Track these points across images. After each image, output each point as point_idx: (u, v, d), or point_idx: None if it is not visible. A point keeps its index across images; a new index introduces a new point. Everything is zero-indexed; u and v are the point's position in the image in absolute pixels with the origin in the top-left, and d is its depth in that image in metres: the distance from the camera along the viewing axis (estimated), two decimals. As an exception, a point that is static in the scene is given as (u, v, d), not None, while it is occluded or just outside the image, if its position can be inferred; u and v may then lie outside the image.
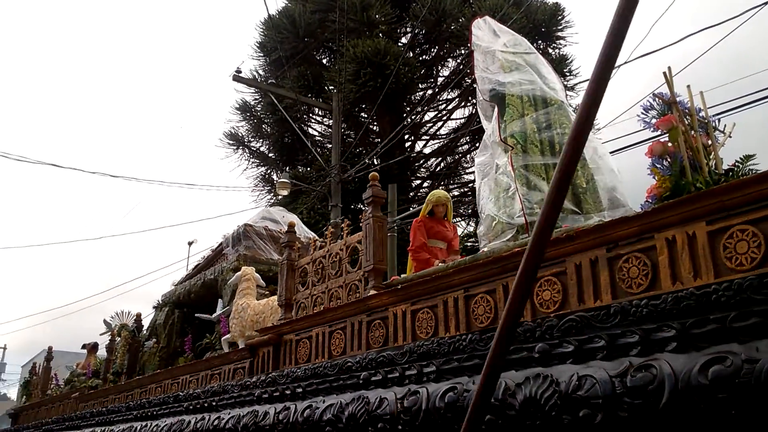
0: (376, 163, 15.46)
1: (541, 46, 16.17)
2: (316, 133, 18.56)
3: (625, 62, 9.09)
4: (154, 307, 9.15)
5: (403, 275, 4.71)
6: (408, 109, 17.05)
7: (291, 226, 5.77)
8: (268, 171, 18.42)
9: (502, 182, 4.30)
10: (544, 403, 2.59)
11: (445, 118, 17.75)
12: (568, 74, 16.14)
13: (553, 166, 4.25)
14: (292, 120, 15.22)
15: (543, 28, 15.81)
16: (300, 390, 4.24)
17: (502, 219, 4.15)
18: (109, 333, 9.88)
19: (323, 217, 14.59)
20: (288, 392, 4.35)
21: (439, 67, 17.86)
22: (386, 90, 13.71)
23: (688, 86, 3.36)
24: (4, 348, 43.70)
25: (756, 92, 7.64)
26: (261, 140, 18.36)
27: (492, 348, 1.29)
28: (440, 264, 4.67)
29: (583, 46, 25.45)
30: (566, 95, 4.60)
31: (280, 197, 16.14)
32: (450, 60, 17.74)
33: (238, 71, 14.33)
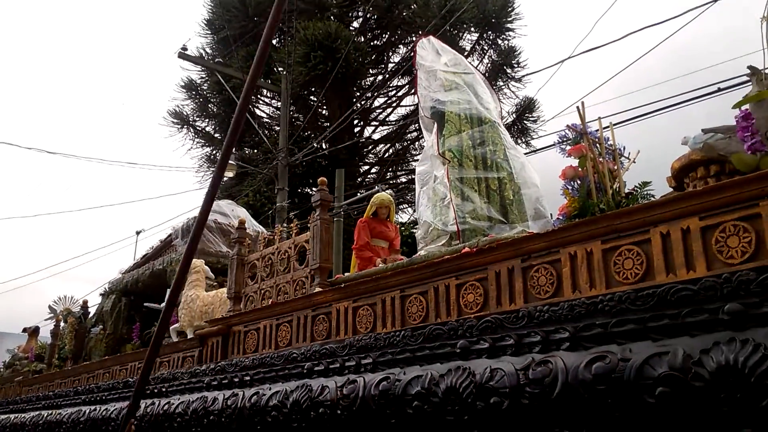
0: (324, 147, 15.54)
1: (491, 37, 16.54)
2: (264, 115, 18.48)
3: (570, 57, 9.42)
4: (101, 294, 9.28)
5: (347, 273, 5.10)
6: (358, 94, 17.16)
7: (242, 222, 6.08)
8: (214, 151, 18.22)
9: (439, 192, 4.73)
10: (462, 391, 3.02)
11: (394, 104, 17.99)
12: (516, 66, 16.60)
13: (485, 180, 4.71)
14: (239, 100, 15.15)
15: (493, 19, 16.12)
16: (248, 378, 4.58)
17: (438, 226, 4.58)
18: (54, 318, 9.95)
19: (269, 200, 14.60)
20: (236, 380, 4.68)
21: (390, 54, 18.07)
22: (336, 74, 13.74)
23: (599, 118, 3.85)
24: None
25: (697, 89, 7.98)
26: (207, 120, 18.14)
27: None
28: (381, 262, 5.10)
29: (531, 38, 26.12)
30: (499, 112, 5.04)
31: (225, 179, 15.87)
32: (401, 47, 17.94)
33: (184, 48, 14.15)
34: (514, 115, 16.83)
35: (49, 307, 10.06)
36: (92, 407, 6.52)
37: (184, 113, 17.87)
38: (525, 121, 16.97)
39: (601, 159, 3.71)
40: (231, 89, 14.87)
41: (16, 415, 8.17)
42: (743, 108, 2.70)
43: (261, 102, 18.43)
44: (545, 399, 2.72)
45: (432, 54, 5.26)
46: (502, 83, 16.83)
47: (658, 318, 2.51)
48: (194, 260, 7.01)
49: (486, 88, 5.17)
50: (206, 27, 17.67)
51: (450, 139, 4.83)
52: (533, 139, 16.63)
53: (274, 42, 18.09)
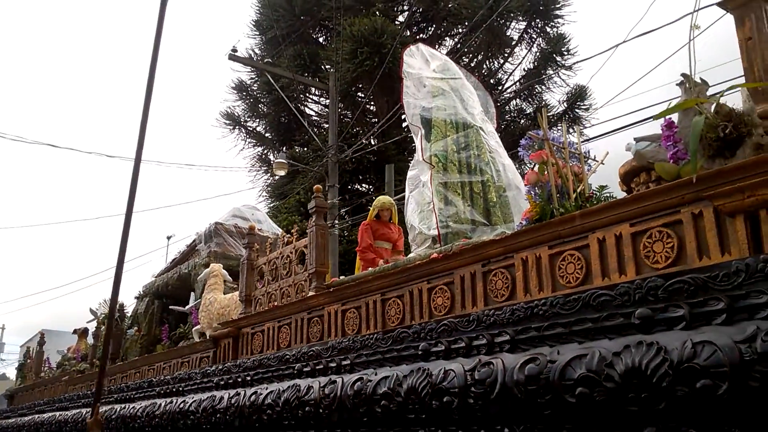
0: (373, 143, 15.72)
1: (539, 25, 16.39)
2: (312, 113, 18.69)
3: (623, 42, 9.28)
4: (135, 298, 9.82)
5: (342, 277, 5.35)
6: None
7: (251, 229, 6.41)
8: (265, 151, 18.53)
9: (426, 196, 4.93)
10: (420, 391, 3.25)
11: None
12: (565, 53, 16.35)
13: (468, 183, 4.89)
14: (288, 99, 15.29)
15: (541, 7, 15.98)
16: (249, 378, 4.90)
17: (422, 230, 4.80)
18: (95, 320, 10.58)
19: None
20: (240, 380, 5.01)
21: (437, 46, 17.70)
22: (383, 69, 13.75)
23: (565, 123, 3.98)
24: (3, 327, 44.31)
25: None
26: (257, 120, 18.43)
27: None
28: (383, 263, 5.34)
29: (581, 24, 25.62)
30: (483, 118, 5.20)
31: (277, 177, 16.33)
32: (447, 39, 17.84)
33: (234, 50, 14.38)
34: (565, 104, 16.58)
35: (90, 309, 10.69)
36: (122, 405, 6.99)
37: (236, 114, 18.19)
38: (576, 110, 16.66)
39: (564, 163, 3.85)
40: (280, 88, 15.11)
41: (61, 413, 8.77)
42: (667, 117, 2.82)
43: (310, 100, 18.69)
44: (488, 398, 2.92)
45: (420, 61, 5.45)
46: (551, 71, 16.61)
47: (581, 322, 2.68)
48: (212, 264, 7.42)
49: (472, 93, 5.33)
50: (254, 28, 17.94)
51: (436, 144, 5.02)
52: (586, 128, 16.17)
53: (320, 40, 18.36)
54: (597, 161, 4.09)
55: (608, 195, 3.78)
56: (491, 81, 17.25)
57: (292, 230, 5.77)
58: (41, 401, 11.04)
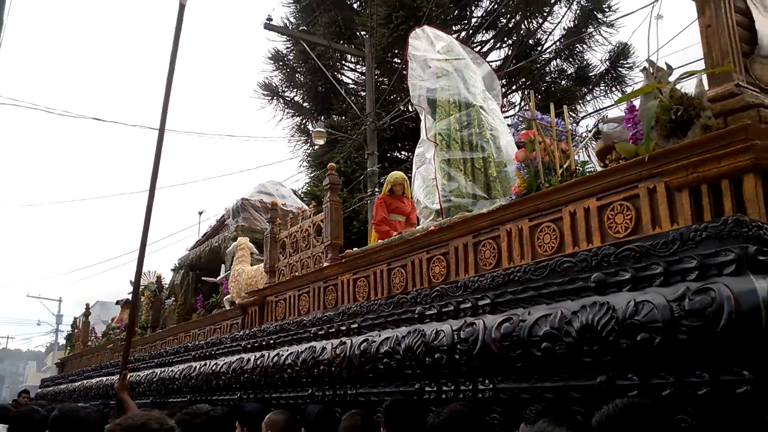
0: (411, 109, 15.74)
1: None
2: (349, 81, 18.65)
3: None
4: (172, 270, 10.41)
5: (355, 248, 5.75)
6: None
7: (273, 205, 6.84)
8: (304, 121, 18.57)
9: (430, 172, 5.28)
10: (416, 349, 3.64)
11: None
12: (606, 10, 16.03)
13: (470, 160, 5.21)
14: (324, 68, 15.35)
15: None
16: (272, 341, 5.37)
17: (427, 204, 5.15)
18: (137, 292, 11.24)
19: (360, 165, 14.90)
20: (264, 343, 5.49)
21: (473, 8, 17.66)
22: None
23: (551, 103, 4.27)
24: (60, 300, 46.11)
25: None
26: (295, 90, 18.40)
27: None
28: (395, 235, 5.72)
29: None
30: (485, 97, 5.49)
31: (316, 147, 16.50)
32: (484, 0, 17.55)
33: (269, 19, 14.45)
34: (607, 63, 16.21)
35: (131, 281, 11.32)
36: (162, 369, 7.58)
37: (273, 84, 18.17)
38: (620, 69, 16.30)
39: (551, 141, 4.14)
40: (316, 57, 15.15)
41: (107, 377, 9.47)
42: (630, 100, 3.11)
43: (346, 68, 18.68)
44: (471, 354, 3.30)
45: (426, 43, 5.74)
46: (592, 29, 16.23)
47: (549, 286, 3.02)
48: (240, 238, 7.91)
49: (475, 73, 5.61)
50: None
51: (440, 123, 5.34)
52: (629, 86, 15.86)
53: (354, 6, 18.21)
54: (584, 138, 4.37)
55: (591, 169, 4.07)
56: (530, 42, 16.95)
57: (310, 207, 6.17)
58: (89, 368, 11.83)
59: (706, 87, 3.12)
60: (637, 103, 3.13)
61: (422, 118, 5.50)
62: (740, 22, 3.27)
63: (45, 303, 44.69)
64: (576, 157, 4.27)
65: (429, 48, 5.72)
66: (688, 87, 3.08)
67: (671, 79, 3.18)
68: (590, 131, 4.35)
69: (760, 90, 3.15)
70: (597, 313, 2.69)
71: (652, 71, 3.18)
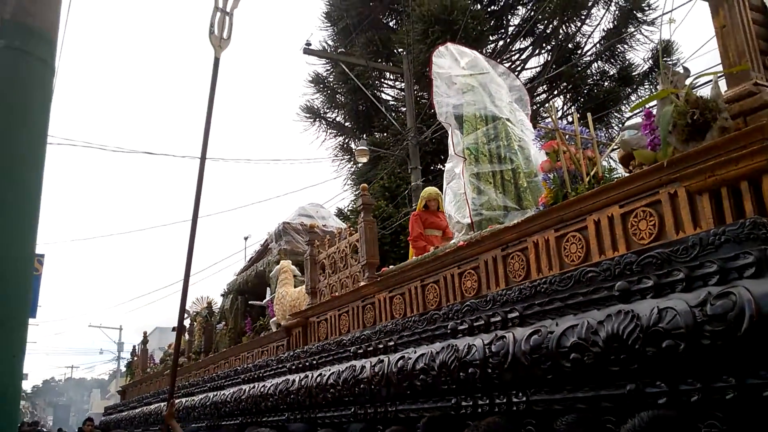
0: None
1: None
2: (389, 98, 18.80)
3: None
4: (221, 295, 10.68)
5: (391, 266, 5.82)
6: None
7: (312, 227, 6.99)
8: (346, 140, 18.78)
9: (460, 187, 5.33)
10: (450, 364, 3.68)
11: (519, 68, 17.42)
12: (646, 8, 15.67)
13: (499, 172, 5.24)
14: (364, 87, 15.58)
15: None
16: (315, 362, 5.47)
17: (458, 218, 5.20)
18: (189, 318, 11.56)
19: (403, 180, 14.96)
20: (307, 364, 5.60)
21: (509, 17, 17.56)
22: None
23: (574, 111, 4.28)
24: (120, 328, 47.51)
25: None
26: (336, 110, 18.61)
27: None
28: (432, 250, 5.77)
29: None
30: (511, 108, 5.51)
31: (360, 165, 16.67)
32: (520, 8, 17.44)
33: (308, 44, 14.83)
34: (650, 62, 15.86)
35: (186, 310, 11.65)
36: (215, 393, 7.78)
37: (315, 106, 18.44)
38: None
39: (577, 149, 4.15)
40: (355, 77, 15.41)
41: (165, 403, 9.75)
42: (647, 106, 3.11)
43: (385, 85, 18.86)
44: (503, 367, 3.32)
45: (449, 60, 5.81)
46: (633, 29, 15.88)
47: (574, 296, 3.03)
48: (282, 261, 8.08)
49: (500, 86, 5.64)
50: (326, 20, 18.10)
51: (468, 138, 5.39)
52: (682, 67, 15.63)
53: (391, 24, 18.37)
54: (610, 145, 4.35)
55: (618, 176, 4.05)
56: (569, 46, 16.75)
57: (346, 229, 6.29)
58: (148, 394, 12.19)
59: (725, 88, 3.10)
60: (657, 109, 3.12)
61: (450, 134, 5.55)
62: (756, 20, 3.24)
63: (106, 332, 46.15)
64: (604, 163, 4.27)
65: (453, 65, 5.79)
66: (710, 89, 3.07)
67: (688, 81, 3.17)
68: (614, 138, 4.31)
69: (782, 86, 3.11)
70: (622, 322, 2.69)
71: (668, 75, 3.17)
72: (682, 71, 3.21)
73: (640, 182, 3.07)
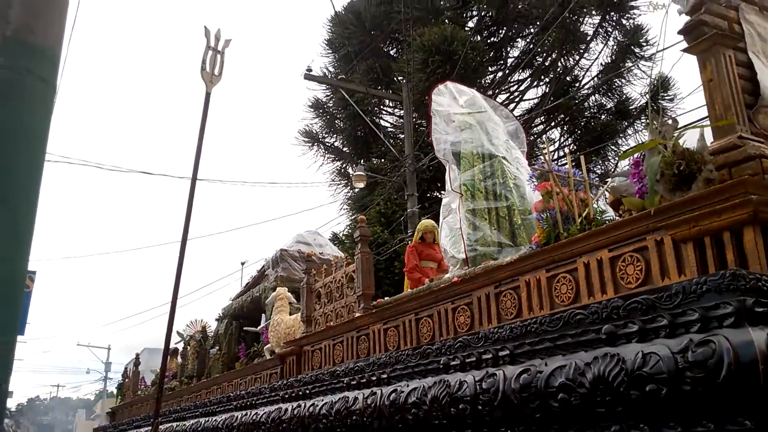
0: None
1: (614, 18, 16.15)
2: (388, 125, 19.13)
3: None
4: (216, 319, 10.72)
5: (386, 297, 5.91)
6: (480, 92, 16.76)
7: (309, 256, 7.08)
8: (344, 165, 18.97)
9: (456, 222, 5.45)
10: (441, 399, 3.76)
11: (517, 99, 17.75)
12: (644, 44, 15.97)
13: (495, 209, 5.36)
14: (363, 113, 15.81)
15: (615, 0, 15.81)
16: (308, 391, 5.53)
17: (453, 253, 5.31)
18: (183, 342, 11.58)
19: (400, 206, 15.08)
20: (301, 393, 5.65)
21: (508, 48, 17.87)
22: (455, 76, 13.42)
23: (567, 153, 4.41)
24: (109, 348, 47.12)
25: None
26: (335, 135, 18.89)
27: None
28: (428, 282, 5.87)
29: (659, 14, 24.80)
30: (507, 147, 5.66)
31: (356, 190, 16.87)
32: (519, 40, 17.77)
33: (309, 70, 15.05)
34: (647, 96, 15.82)
35: (178, 332, 11.69)
36: (206, 418, 7.80)
37: (314, 131, 18.75)
38: (661, 101, 15.92)
39: (570, 190, 4.27)
40: (355, 103, 15.70)
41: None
42: (636, 155, 3.25)
43: (384, 112, 19.22)
44: (493, 404, 3.40)
45: (449, 99, 5.98)
46: (630, 63, 16.23)
47: (563, 337, 3.13)
48: (278, 288, 8.15)
49: (497, 124, 5.80)
50: (327, 47, 18.56)
51: (464, 174, 5.53)
52: (669, 119, 15.83)
53: (391, 53, 18.79)
54: (601, 187, 4.48)
55: (610, 218, 4.18)
56: (567, 78, 17.04)
57: (343, 258, 6.39)
58: (138, 417, 12.14)
59: (711, 140, 3.24)
60: (645, 158, 3.25)
61: (447, 169, 5.69)
62: (742, 75, 3.39)
63: (94, 351, 45.77)
64: (596, 205, 4.39)
65: (452, 103, 5.96)
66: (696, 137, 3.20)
67: (676, 132, 3.31)
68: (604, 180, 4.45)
69: (766, 139, 3.25)
70: (608, 365, 2.79)
71: (656, 126, 3.31)
72: (671, 122, 3.35)
73: (628, 228, 3.19)
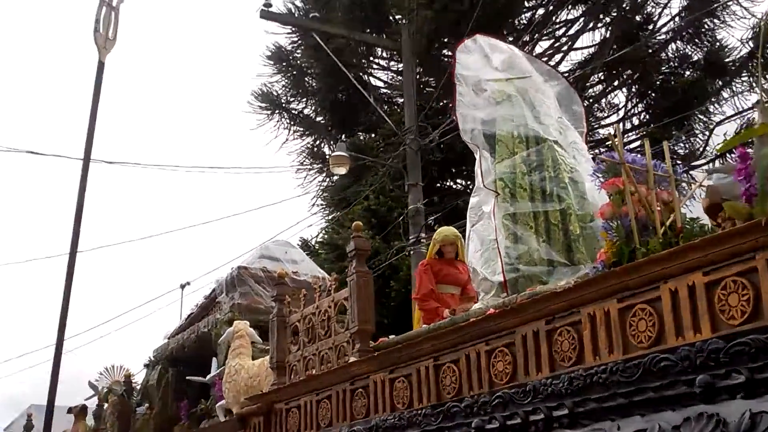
0: None
1: None
2: (381, 84, 18.77)
3: None
4: (145, 365, 10.84)
5: (391, 336, 6.05)
6: (510, 39, 14.80)
7: (281, 276, 7.23)
8: (317, 141, 18.67)
9: (490, 231, 5.59)
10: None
11: (565, 48, 17.55)
12: None
13: (543, 214, 5.51)
14: (345, 67, 15.31)
15: None
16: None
17: (486, 275, 5.46)
18: (96, 397, 11.69)
19: (398, 202, 14.97)
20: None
21: None
22: (476, 15, 13.17)
23: (646, 139, 4.58)
24: (-26, 406, 46.81)
25: None
26: (304, 99, 18.54)
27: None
28: (449, 314, 5.99)
29: None
30: (560, 127, 5.81)
31: (335, 178, 16.61)
32: None
33: (268, 5, 14.56)
34: (750, 44, 15.60)
35: (89, 383, 11.80)
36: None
37: (274, 93, 18.29)
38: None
39: (649, 190, 4.42)
40: (333, 52, 15.19)
41: None
42: (740, 145, 3.41)
43: (375, 67, 18.80)
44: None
45: (478, 58, 6.13)
46: (730, 2, 15.63)
47: (643, 391, 3.30)
48: (236, 322, 8.30)
49: (545, 95, 5.95)
50: None
51: (501, 165, 5.67)
52: None
53: None
54: (696, 183, 4.65)
55: (704, 227, 4.33)
56: (637, 18, 16.80)
57: (331, 279, 6.53)
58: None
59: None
60: (755, 149, 3.41)
61: (477, 158, 5.83)
62: None
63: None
64: (684, 209, 4.54)
65: (483, 64, 6.09)
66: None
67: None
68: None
69: None
70: (704, 428, 2.96)
71: (764, 108, 3.47)
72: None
73: (730, 243, 3.34)
